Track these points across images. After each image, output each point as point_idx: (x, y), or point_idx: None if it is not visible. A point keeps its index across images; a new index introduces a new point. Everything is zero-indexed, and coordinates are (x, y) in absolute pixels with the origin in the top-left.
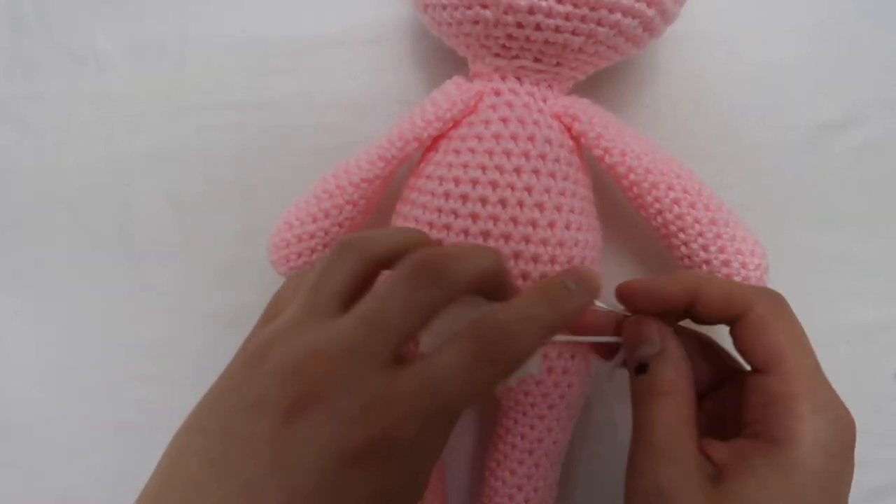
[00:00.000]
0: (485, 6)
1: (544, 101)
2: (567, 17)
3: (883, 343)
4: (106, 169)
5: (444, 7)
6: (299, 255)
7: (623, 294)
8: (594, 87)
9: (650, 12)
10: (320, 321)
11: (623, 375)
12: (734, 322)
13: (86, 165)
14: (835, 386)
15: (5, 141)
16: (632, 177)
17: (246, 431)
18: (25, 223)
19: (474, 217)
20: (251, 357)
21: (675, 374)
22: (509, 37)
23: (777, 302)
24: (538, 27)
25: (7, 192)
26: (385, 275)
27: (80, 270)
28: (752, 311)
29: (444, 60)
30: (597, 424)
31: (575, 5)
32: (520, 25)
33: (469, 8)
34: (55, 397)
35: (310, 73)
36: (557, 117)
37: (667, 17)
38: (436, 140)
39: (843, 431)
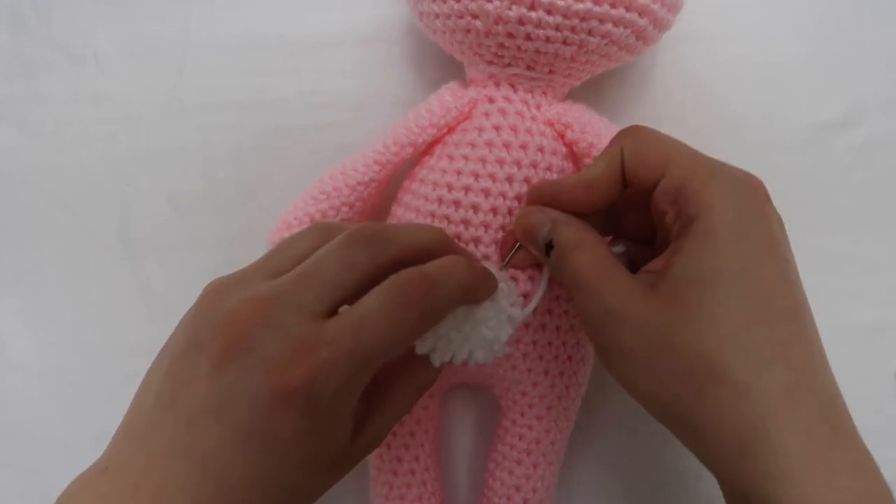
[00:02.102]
0: (475, 16)
1: (538, 108)
2: (557, 28)
3: (884, 343)
4: (106, 169)
5: (437, 16)
6: None
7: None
8: (594, 88)
9: (642, 22)
10: (267, 278)
11: None
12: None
13: (86, 165)
14: None
15: (5, 141)
16: None
17: (188, 370)
18: (25, 223)
19: (466, 223)
20: (200, 299)
21: (575, 231)
22: (501, 46)
23: (700, 159)
24: (529, 37)
25: (7, 192)
26: None
27: (80, 270)
28: (673, 164)
29: (443, 61)
30: (597, 424)
31: (565, 16)
32: (510, 35)
33: (460, 17)
34: (55, 397)
35: (310, 73)
36: (551, 125)
37: (660, 25)
38: (431, 144)
39: (750, 189)
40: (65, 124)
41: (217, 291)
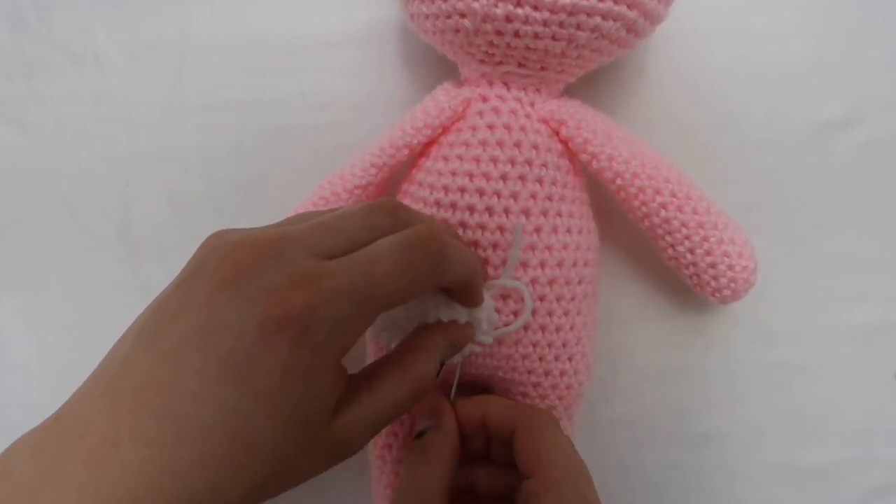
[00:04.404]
0: (463, 15)
1: (532, 105)
2: (545, 24)
3: (884, 343)
4: (106, 169)
5: (427, 17)
6: None
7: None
8: (592, 85)
9: (631, 14)
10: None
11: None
12: (512, 435)
13: (86, 165)
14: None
15: (5, 141)
16: (619, 181)
17: (179, 300)
18: (25, 223)
19: (463, 226)
20: (206, 242)
21: (440, 444)
22: (490, 44)
23: (543, 415)
24: (517, 34)
25: (7, 192)
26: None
27: (80, 270)
28: (521, 423)
29: (442, 61)
30: (597, 424)
31: (552, 11)
32: (499, 33)
33: (449, 17)
34: (55, 397)
35: (310, 73)
36: (545, 122)
37: (651, 17)
38: (427, 146)
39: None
40: (65, 124)
41: (223, 231)
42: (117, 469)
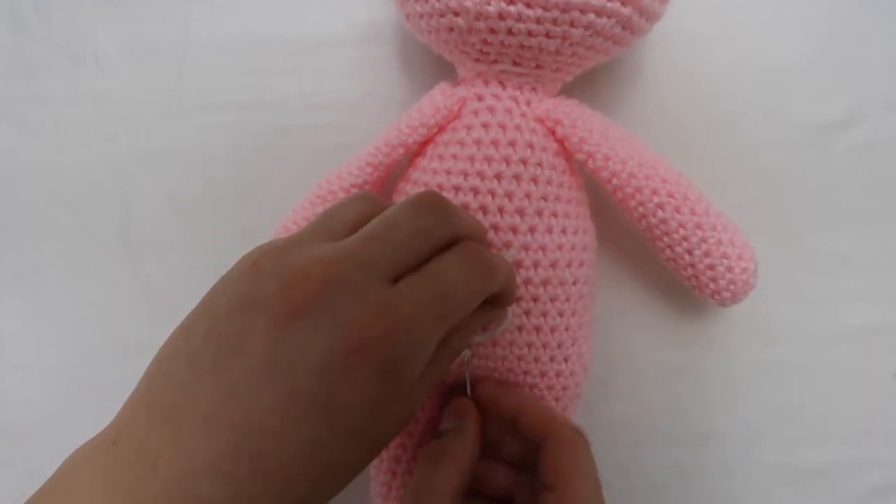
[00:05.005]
0: (456, 14)
1: (527, 104)
2: (538, 21)
3: (884, 343)
4: (106, 169)
5: (421, 16)
6: None
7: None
8: (590, 84)
9: (626, 11)
10: (327, 240)
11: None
12: (541, 442)
13: (86, 165)
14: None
15: (5, 141)
16: (615, 181)
17: (237, 332)
18: (25, 223)
19: None
20: (251, 263)
21: (460, 448)
22: (485, 42)
23: (578, 435)
24: (511, 32)
25: (7, 192)
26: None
27: (80, 270)
28: (555, 435)
29: (441, 61)
30: (597, 424)
31: (545, 8)
32: (492, 31)
33: (442, 16)
34: (55, 397)
35: (310, 73)
36: (541, 121)
37: (647, 14)
38: (423, 145)
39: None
40: (65, 124)
41: (273, 252)
42: None
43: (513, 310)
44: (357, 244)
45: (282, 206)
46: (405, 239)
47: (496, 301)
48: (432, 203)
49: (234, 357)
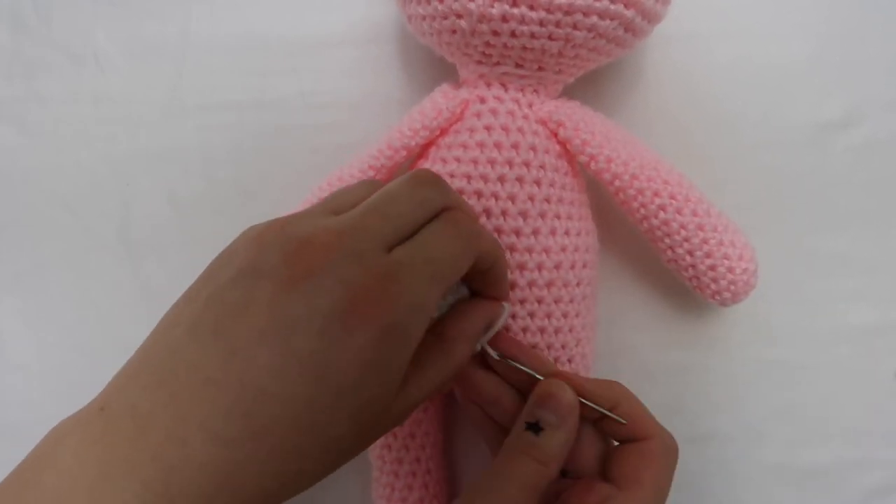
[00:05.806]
0: (459, 16)
1: (530, 106)
2: (541, 23)
3: (884, 343)
4: (105, 169)
5: (423, 18)
6: None
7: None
8: (591, 86)
9: (628, 13)
10: (330, 216)
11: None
12: (628, 441)
13: (86, 165)
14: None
15: (5, 141)
16: (617, 183)
17: (241, 298)
18: (25, 223)
19: None
20: (253, 233)
21: (557, 452)
22: (487, 44)
23: (674, 448)
24: (514, 34)
25: (7, 192)
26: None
27: (80, 270)
28: (656, 438)
29: (442, 62)
30: None
31: (548, 11)
32: (495, 33)
33: (445, 18)
34: (55, 397)
35: (310, 73)
36: (543, 123)
37: (649, 16)
38: (425, 148)
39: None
40: (65, 124)
41: (277, 224)
42: (185, 466)
43: (509, 306)
44: (358, 216)
45: (282, 206)
46: (406, 209)
47: (488, 287)
48: (428, 178)
49: (238, 321)
